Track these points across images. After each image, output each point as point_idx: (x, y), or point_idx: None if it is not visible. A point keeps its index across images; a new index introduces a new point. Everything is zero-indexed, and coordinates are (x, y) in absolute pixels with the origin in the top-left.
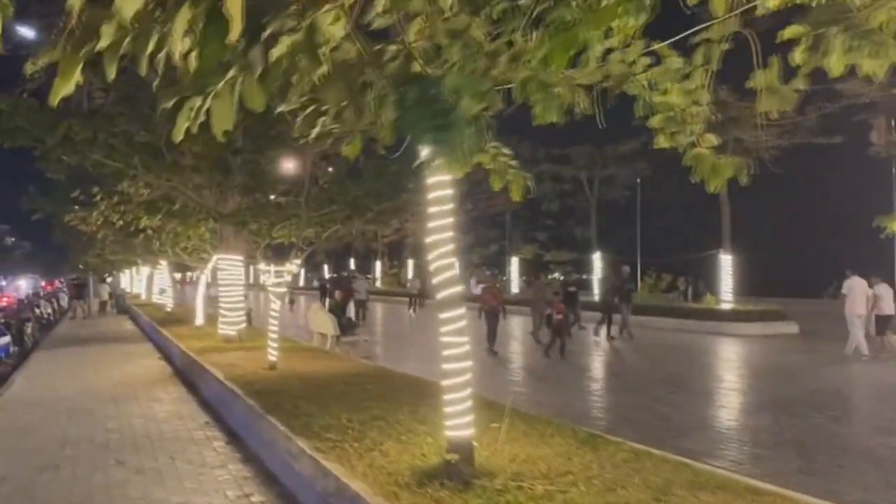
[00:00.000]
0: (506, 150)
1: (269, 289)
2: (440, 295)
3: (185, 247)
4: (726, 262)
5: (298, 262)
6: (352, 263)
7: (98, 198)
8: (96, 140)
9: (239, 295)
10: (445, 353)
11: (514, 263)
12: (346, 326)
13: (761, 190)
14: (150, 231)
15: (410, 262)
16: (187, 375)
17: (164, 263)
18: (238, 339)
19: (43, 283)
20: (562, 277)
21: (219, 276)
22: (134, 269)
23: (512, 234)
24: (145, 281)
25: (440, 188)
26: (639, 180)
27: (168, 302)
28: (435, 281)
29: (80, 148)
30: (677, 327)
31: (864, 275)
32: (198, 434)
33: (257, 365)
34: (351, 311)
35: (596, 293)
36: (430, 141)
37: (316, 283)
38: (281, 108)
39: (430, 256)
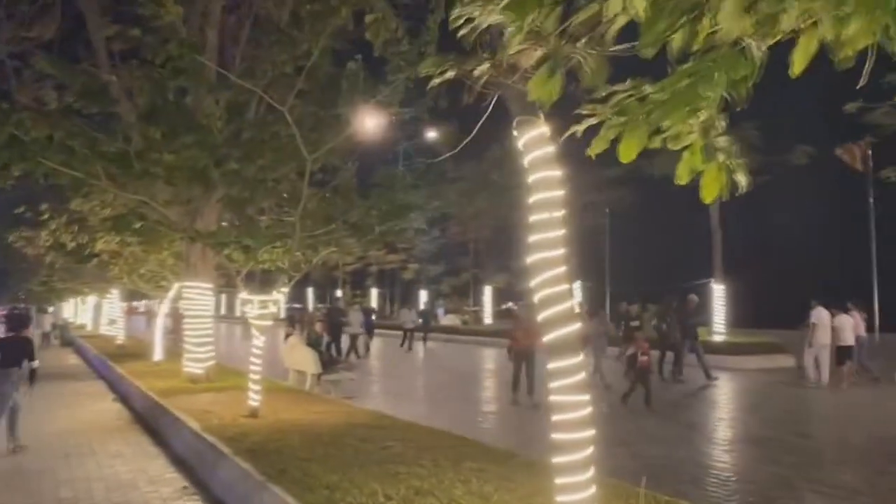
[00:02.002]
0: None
1: (252, 322)
2: (550, 336)
3: (142, 273)
4: (718, 292)
5: (286, 290)
6: (310, 293)
7: (47, 216)
8: (52, 142)
9: (207, 328)
10: (557, 417)
11: (488, 293)
12: (326, 363)
13: (748, 215)
14: (104, 256)
15: (374, 292)
16: (150, 422)
17: (114, 292)
18: (206, 379)
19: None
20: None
21: (183, 306)
22: (79, 298)
23: (485, 262)
24: (91, 311)
25: (548, 188)
26: (607, 210)
27: (119, 334)
28: (541, 316)
29: (32, 152)
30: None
31: (826, 305)
32: None
33: (235, 411)
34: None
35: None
36: None
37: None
38: None
39: (535, 282)
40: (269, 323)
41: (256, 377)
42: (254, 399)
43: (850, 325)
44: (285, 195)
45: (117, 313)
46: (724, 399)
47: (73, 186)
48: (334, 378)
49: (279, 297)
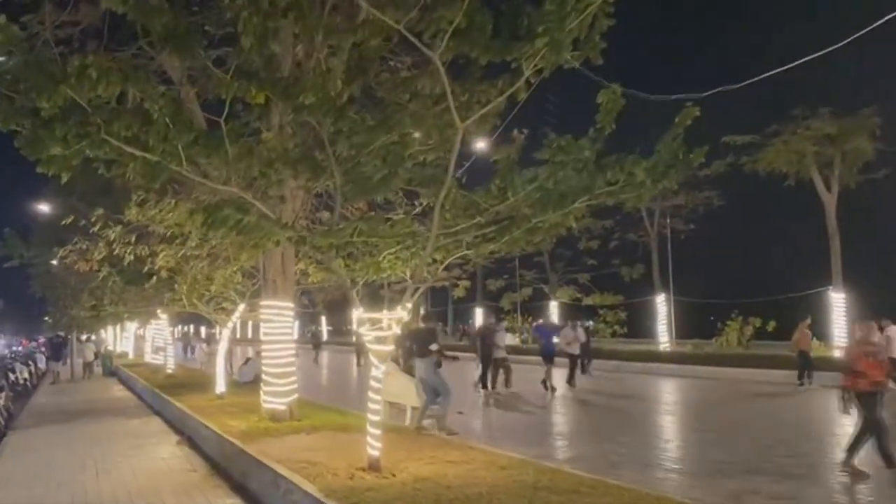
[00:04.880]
0: None
1: (369, 346)
2: None
3: (202, 293)
4: (838, 301)
5: (410, 305)
6: (354, 315)
7: (99, 226)
8: (124, 102)
9: (289, 355)
10: None
11: (554, 308)
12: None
13: (869, 219)
14: (163, 273)
15: (422, 311)
16: (236, 476)
17: (163, 317)
18: (290, 416)
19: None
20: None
21: (262, 329)
22: (118, 325)
23: (549, 276)
24: (132, 338)
25: None
26: (668, 219)
27: (169, 362)
28: None
29: (96, 126)
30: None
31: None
32: None
33: (347, 461)
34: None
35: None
36: None
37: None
38: None
39: None
40: (390, 348)
41: (376, 418)
42: (374, 447)
43: None
44: (428, 176)
45: (166, 340)
46: None
47: (145, 174)
48: (438, 413)
49: (404, 315)
